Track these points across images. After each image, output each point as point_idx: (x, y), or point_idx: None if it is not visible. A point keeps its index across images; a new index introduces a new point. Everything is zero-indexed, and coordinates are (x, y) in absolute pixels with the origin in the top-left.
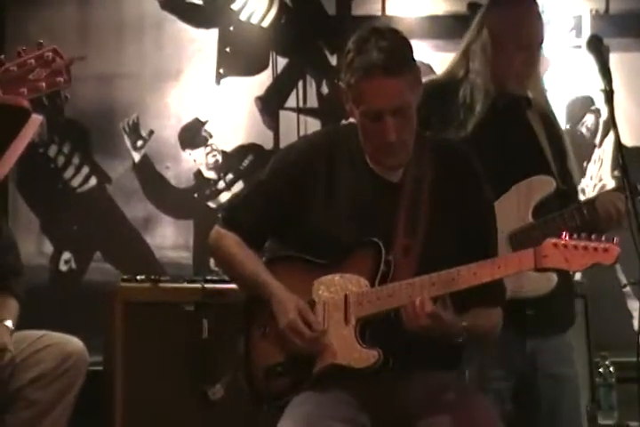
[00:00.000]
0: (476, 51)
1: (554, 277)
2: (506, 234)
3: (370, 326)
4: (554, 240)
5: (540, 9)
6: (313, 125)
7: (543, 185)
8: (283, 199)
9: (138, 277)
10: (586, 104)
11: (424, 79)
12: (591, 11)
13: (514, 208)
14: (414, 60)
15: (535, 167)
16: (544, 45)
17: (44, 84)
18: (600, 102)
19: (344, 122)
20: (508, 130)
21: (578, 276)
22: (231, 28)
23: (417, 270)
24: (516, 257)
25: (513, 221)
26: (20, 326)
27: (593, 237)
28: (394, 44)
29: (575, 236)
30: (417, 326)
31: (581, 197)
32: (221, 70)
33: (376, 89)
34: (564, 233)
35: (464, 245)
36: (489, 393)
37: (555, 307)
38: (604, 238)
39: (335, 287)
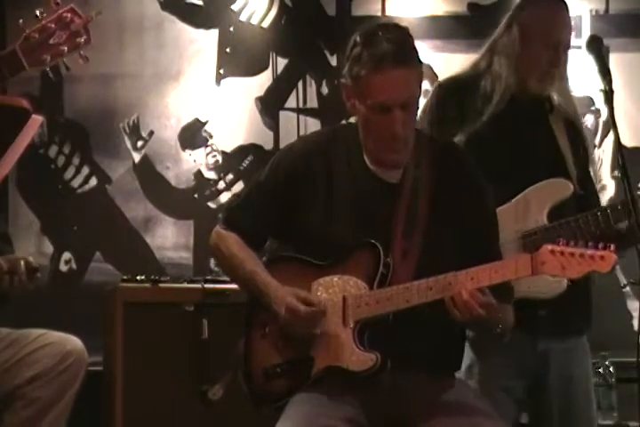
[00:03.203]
0: (504, 45)
1: (564, 281)
2: (520, 235)
3: (368, 328)
4: (551, 247)
5: None
6: (313, 125)
7: (560, 188)
8: (282, 200)
9: (138, 278)
10: (586, 104)
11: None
12: (591, 11)
13: (529, 210)
14: (419, 55)
15: (551, 170)
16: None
17: (65, 48)
18: (600, 102)
19: (343, 122)
20: (525, 129)
21: None
22: (231, 29)
23: (415, 273)
24: (513, 263)
25: (527, 222)
26: (19, 325)
27: (590, 244)
28: (401, 36)
29: (572, 243)
30: (470, 317)
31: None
32: (221, 71)
33: (387, 81)
34: (561, 240)
35: (463, 248)
36: (500, 392)
37: (569, 309)
38: (600, 246)
39: (333, 289)
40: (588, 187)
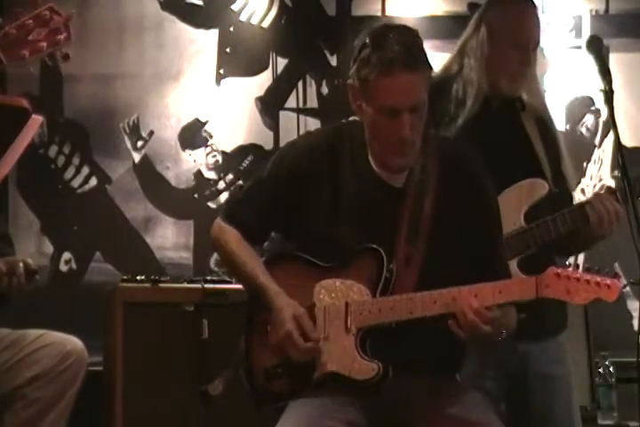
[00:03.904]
0: (473, 47)
1: None
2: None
3: (370, 335)
4: (556, 270)
5: (541, 10)
6: (313, 125)
7: (536, 188)
8: (284, 196)
9: (138, 278)
10: (586, 104)
11: None
12: (591, 11)
13: (506, 211)
14: (428, 59)
15: (527, 170)
16: (543, 47)
17: (44, 44)
18: (600, 102)
19: (345, 121)
20: (499, 130)
21: None
22: (231, 29)
23: (419, 279)
24: (518, 285)
25: (505, 224)
26: (19, 325)
27: (597, 268)
28: (411, 39)
29: (579, 268)
30: (475, 335)
31: (582, 198)
32: (221, 71)
33: (396, 85)
34: (569, 264)
35: (467, 253)
36: (479, 392)
37: (545, 311)
38: (607, 271)
39: (336, 293)
40: (561, 185)
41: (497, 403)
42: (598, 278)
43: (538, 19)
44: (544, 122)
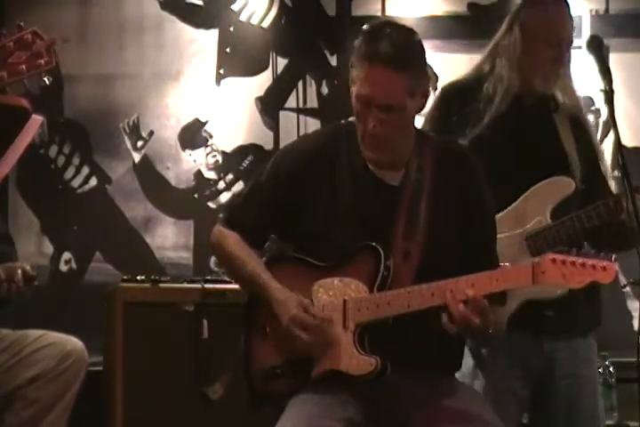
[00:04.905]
0: (505, 47)
1: None
2: (524, 235)
3: (368, 331)
4: (552, 256)
5: None
6: (313, 125)
7: (561, 186)
8: (283, 199)
9: (138, 278)
10: (586, 104)
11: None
12: (591, 11)
13: (532, 209)
14: (423, 67)
15: (555, 169)
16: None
17: (24, 67)
18: (600, 102)
19: (343, 121)
20: (530, 129)
21: None
22: (231, 29)
23: (416, 275)
24: (514, 272)
25: (531, 223)
26: (19, 326)
27: (592, 252)
28: (407, 40)
29: (574, 251)
30: (466, 327)
31: None
32: (221, 71)
33: (373, 77)
34: (563, 249)
35: (463, 249)
36: (506, 392)
37: (576, 309)
38: (602, 255)
39: (334, 291)
40: (594, 182)
41: (523, 402)
42: (594, 261)
43: (571, 17)
44: (578, 121)
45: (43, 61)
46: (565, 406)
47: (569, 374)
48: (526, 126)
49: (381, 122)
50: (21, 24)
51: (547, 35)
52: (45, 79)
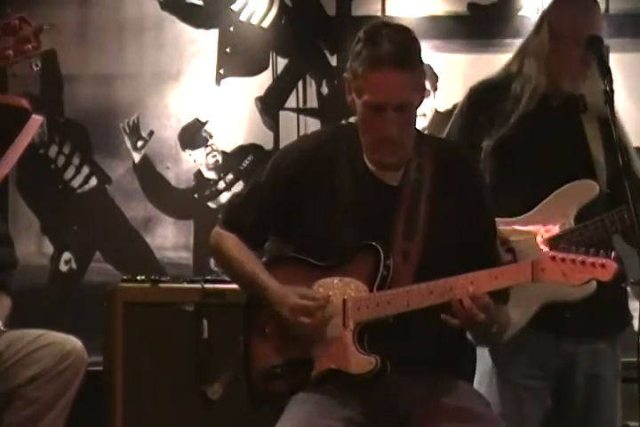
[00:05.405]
0: (534, 46)
1: (593, 283)
2: (546, 238)
3: (368, 331)
4: (551, 253)
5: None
6: (313, 125)
7: (586, 190)
8: (282, 200)
9: (138, 278)
10: None
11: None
12: None
13: (555, 214)
14: (422, 61)
15: (580, 171)
16: None
17: (11, 52)
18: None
19: (343, 122)
20: (556, 130)
21: None
22: (231, 29)
23: (415, 275)
24: (514, 269)
25: (555, 226)
26: (19, 325)
27: (591, 251)
28: (406, 38)
29: (573, 248)
30: (469, 323)
31: None
32: (221, 71)
33: (382, 81)
34: (564, 247)
35: (463, 250)
36: (525, 392)
37: (599, 311)
38: (602, 253)
39: (334, 291)
40: (621, 185)
41: (543, 402)
42: (593, 259)
43: (601, 18)
44: (608, 122)
45: (30, 46)
46: (584, 407)
47: (589, 374)
48: (553, 127)
49: (398, 125)
50: (9, 11)
51: (575, 34)
52: (34, 65)
